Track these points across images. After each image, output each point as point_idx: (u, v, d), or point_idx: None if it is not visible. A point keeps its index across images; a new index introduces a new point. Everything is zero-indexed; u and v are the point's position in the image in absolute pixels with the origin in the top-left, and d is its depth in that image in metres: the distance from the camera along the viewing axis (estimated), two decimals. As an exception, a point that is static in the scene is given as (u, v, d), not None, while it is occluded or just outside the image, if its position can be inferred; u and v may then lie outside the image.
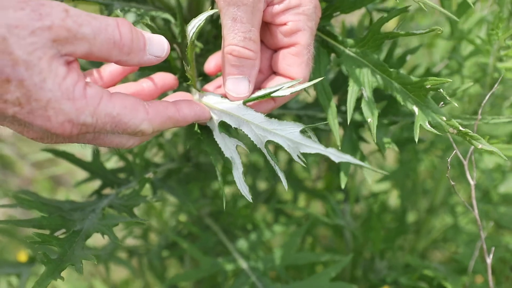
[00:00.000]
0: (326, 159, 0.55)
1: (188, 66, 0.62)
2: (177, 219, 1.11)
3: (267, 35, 0.64)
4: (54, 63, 0.47)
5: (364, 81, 0.67)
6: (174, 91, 0.70)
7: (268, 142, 0.59)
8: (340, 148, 0.72)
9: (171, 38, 0.64)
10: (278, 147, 0.58)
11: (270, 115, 0.60)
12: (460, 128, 0.62)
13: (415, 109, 0.64)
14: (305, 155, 0.57)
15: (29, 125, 0.49)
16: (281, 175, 0.59)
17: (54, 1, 0.48)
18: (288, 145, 0.57)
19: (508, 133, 1.10)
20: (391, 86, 0.66)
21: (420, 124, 0.64)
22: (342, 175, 0.72)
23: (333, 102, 0.70)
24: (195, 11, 0.77)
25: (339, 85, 0.82)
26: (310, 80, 0.64)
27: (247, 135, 0.60)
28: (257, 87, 0.65)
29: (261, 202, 1.17)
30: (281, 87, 0.61)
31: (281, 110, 0.88)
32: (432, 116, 0.64)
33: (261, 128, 0.59)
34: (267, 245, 1.14)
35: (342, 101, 0.82)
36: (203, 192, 1.05)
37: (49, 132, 0.50)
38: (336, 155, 0.55)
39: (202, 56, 0.77)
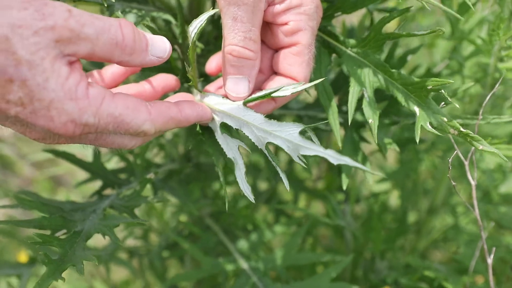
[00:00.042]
0: (327, 159, 0.54)
1: (189, 67, 0.62)
2: (177, 220, 1.10)
3: (268, 35, 0.64)
4: (57, 63, 0.47)
5: (366, 82, 0.67)
6: (175, 92, 0.70)
7: (269, 143, 0.58)
8: (341, 148, 0.72)
9: (172, 39, 0.64)
10: (278, 148, 0.58)
11: (270, 116, 0.60)
12: (461, 129, 0.62)
13: (417, 110, 0.64)
14: (305, 155, 0.56)
15: (32, 125, 0.49)
16: (283, 176, 0.59)
17: (57, 1, 0.48)
18: (287, 146, 0.57)
19: (509, 134, 1.10)
20: (392, 86, 0.66)
21: (421, 125, 0.64)
22: (343, 176, 0.72)
23: (334, 102, 0.70)
24: (196, 12, 0.77)
25: (340, 86, 0.82)
26: (311, 80, 0.64)
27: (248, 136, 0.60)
28: (258, 87, 0.65)
29: (261, 203, 1.17)
30: (282, 88, 0.61)
31: (282, 111, 0.88)
32: (433, 117, 0.64)
33: (261, 129, 0.59)
34: (267, 245, 1.14)
35: (343, 102, 0.82)
36: (204, 192, 1.05)
37: (51, 132, 0.50)
38: (334, 157, 0.54)
39: (203, 57, 0.77)
